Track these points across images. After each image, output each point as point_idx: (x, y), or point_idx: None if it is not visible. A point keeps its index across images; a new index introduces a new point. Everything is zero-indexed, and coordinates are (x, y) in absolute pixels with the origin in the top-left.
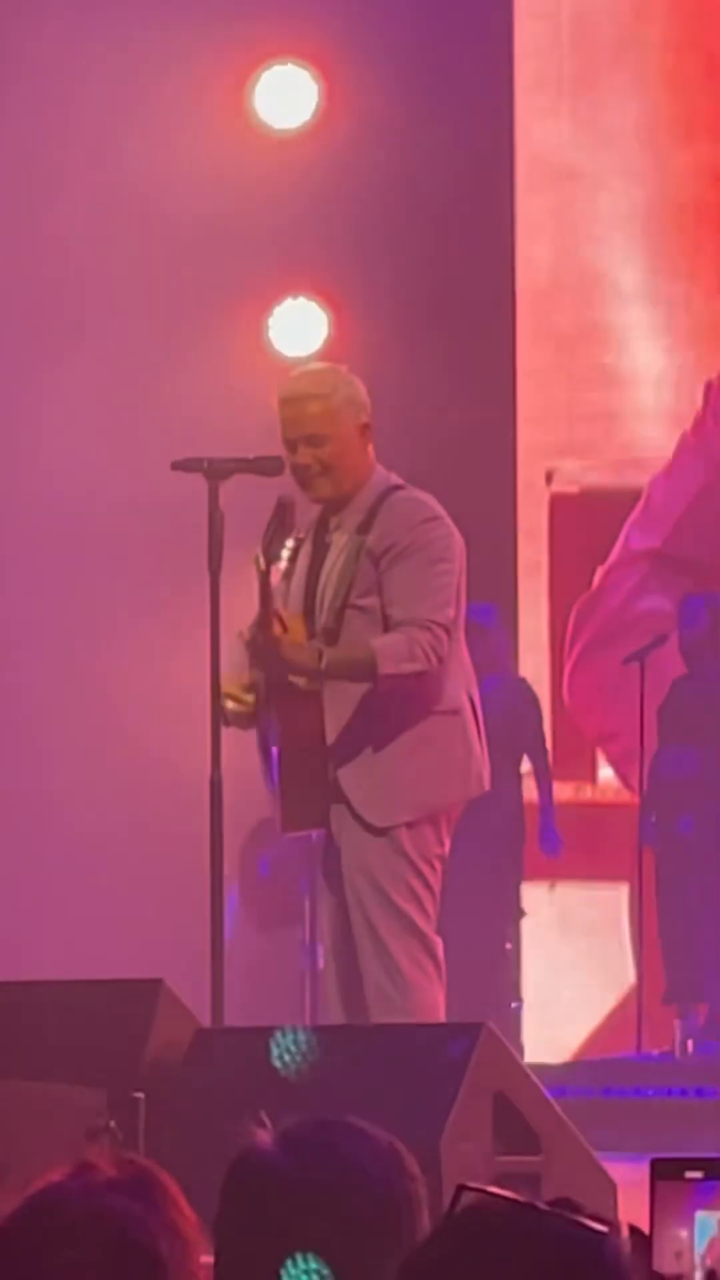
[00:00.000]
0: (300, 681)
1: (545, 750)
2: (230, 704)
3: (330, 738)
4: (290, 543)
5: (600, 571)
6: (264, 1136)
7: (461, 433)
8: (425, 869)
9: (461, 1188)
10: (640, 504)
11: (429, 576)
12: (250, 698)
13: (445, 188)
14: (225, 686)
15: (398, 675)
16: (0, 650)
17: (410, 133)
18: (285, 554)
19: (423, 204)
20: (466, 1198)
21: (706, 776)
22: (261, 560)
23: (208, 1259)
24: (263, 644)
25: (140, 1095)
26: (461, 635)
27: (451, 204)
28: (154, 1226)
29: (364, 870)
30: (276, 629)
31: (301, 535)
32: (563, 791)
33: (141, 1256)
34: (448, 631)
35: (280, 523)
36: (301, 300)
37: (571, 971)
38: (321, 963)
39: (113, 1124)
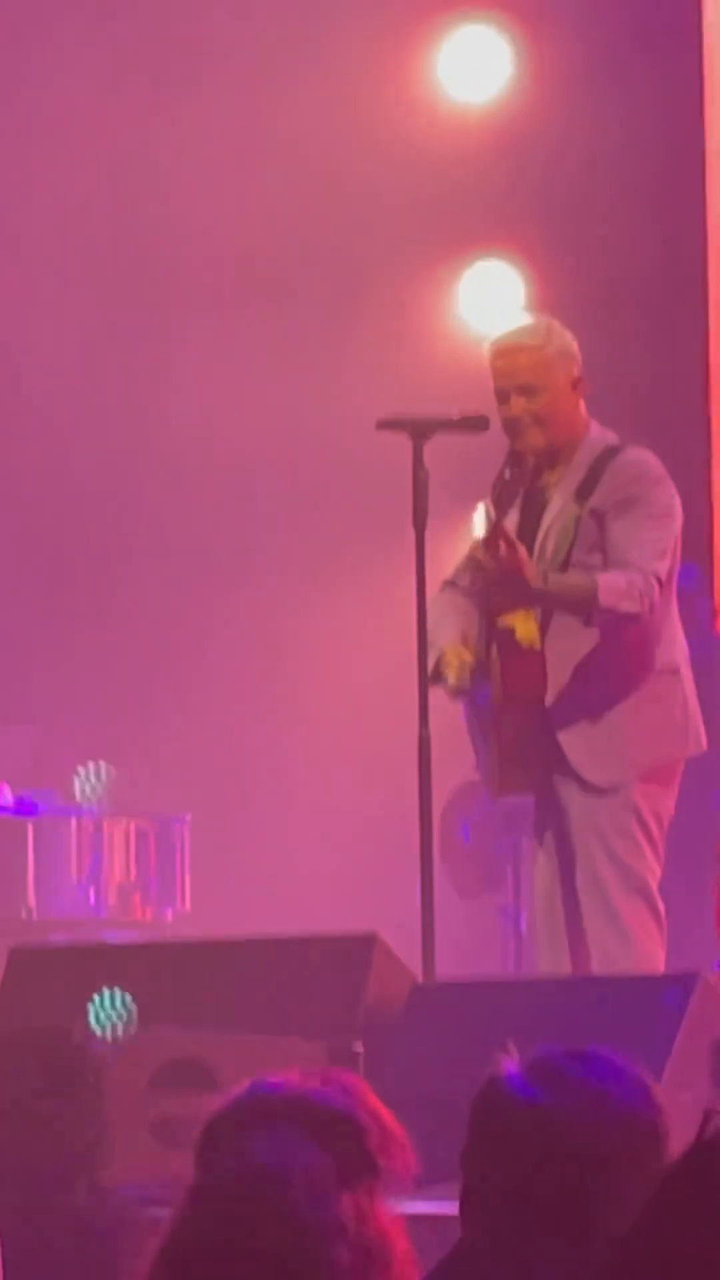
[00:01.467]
0: (520, 632)
1: None
2: (453, 666)
3: (549, 700)
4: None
5: None
6: (511, 1065)
7: (654, 399)
8: (654, 826)
9: (711, 1112)
10: None
11: (650, 529)
12: (470, 657)
13: (635, 152)
14: (447, 654)
15: (613, 612)
16: (205, 613)
17: (599, 99)
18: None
19: (613, 171)
20: (715, 1122)
21: None
22: (492, 510)
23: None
24: (489, 562)
25: (360, 1049)
26: (674, 596)
27: (643, 169)
28: (352, 1105)
29: (595, 832)
30: (503, 549)
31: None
32: None
33: (346, 1125)
34: (660, 584)
35: (516, 472)
36: (495, 262)
37: None
38: (524, 926)
39: None
